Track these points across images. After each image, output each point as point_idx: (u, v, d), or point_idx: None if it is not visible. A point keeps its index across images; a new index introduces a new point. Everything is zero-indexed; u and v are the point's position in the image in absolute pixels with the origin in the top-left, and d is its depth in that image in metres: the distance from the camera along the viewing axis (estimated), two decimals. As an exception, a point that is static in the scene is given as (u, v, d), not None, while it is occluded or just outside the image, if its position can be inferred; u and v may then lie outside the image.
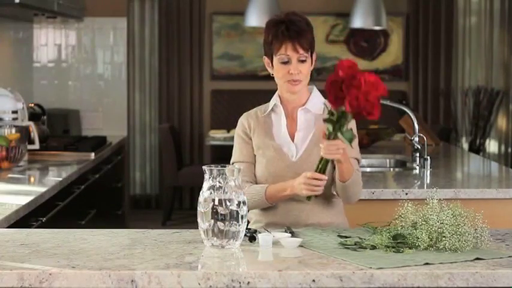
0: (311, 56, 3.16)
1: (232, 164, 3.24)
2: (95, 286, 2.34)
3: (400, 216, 2.74)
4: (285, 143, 3.20)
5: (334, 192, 3.23)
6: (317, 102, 3.23)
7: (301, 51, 3.11)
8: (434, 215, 2.65)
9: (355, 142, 3.16)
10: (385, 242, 2.63)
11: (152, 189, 9.32)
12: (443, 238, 2.60)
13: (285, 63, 3.13)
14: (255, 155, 3.24)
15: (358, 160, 3.22)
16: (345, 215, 3.33)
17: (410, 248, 2.62)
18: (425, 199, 2.73)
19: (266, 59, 3.21)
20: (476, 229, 2.65)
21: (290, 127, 3.22)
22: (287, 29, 3.11)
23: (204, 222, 2.66)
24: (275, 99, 3.25)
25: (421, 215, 2.68)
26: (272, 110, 3.25)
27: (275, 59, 3.14)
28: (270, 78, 3.25)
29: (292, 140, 3.20)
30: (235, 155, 3.27)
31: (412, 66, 9.36)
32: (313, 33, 3.18)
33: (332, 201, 3.24)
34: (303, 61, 3.13)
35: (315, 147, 3.15)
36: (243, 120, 3.28)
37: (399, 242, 2.64)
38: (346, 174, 3.07)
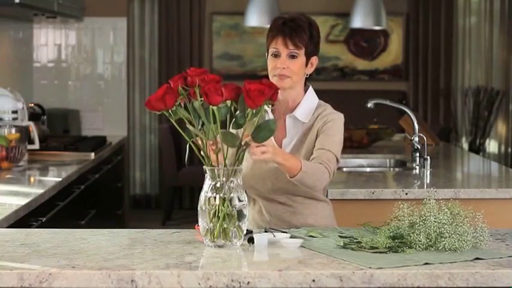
0: (306, 56, 3.14)
1: None
2: (95, 286, 2.34)
3: (397, 217, 2.74)
4: None
5: (322, 196, 3.25)
6: (307, 109, 3.20)
7: (291, 46, 3.10)
8: (431, 216, 2.65)
9: (334, 138, 3.13)
10: (385, 242, 2.63)
11: (152, 189, 9.32)
12: (442, 238, 2.60)
13: (275, 56, 3.13)
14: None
15: (335, 156, 3.12)
16: (335, 218, 3.33)
17: (410, 248, 2.62)
18: (424, 199, 2.73)
19: (266, 54, 3.21)
20: (476, 229, 2.65)
21: (278, 130, 3.15)
22: (283, 24, 3.12)
23: (204, 221, 2.66)
24: None
25: (418, 215, 2.68)
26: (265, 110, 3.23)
27: (269, 52, 3.15)
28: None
29: (280, 145, 3.19)
30: None
31: (412, 66, 9.36)
32: (314, 35, 3.16)
33: (317, 204, 3.24)
34: (293, 57, 3.12)
35: (296, 152, 3.15)
36: None
37: (399, 242, 2.65)
38: (290, 171, 2.97)
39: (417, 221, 2.66)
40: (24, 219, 3.64)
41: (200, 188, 2.72)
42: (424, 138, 4.87)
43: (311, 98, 3.23)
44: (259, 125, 2.73)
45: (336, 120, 3.18)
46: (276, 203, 3.21)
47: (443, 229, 2.61)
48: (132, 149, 9.14)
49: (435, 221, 2.63)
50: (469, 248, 2.60)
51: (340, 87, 9.28)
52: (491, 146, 9.46)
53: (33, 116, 5.82)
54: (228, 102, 2.66)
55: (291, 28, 3.11)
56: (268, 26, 3.24)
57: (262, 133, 2.72)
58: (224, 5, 9.28)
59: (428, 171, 4.70)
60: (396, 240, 2.65)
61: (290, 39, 3.10)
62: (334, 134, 3.15)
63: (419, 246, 2.61)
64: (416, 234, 2.62)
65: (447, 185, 4.24)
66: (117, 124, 7.96)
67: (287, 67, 3.11)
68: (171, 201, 8.52)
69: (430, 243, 2.62)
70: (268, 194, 3.20)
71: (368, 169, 5.32)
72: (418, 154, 4.88)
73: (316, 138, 3.16)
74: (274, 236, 2.74)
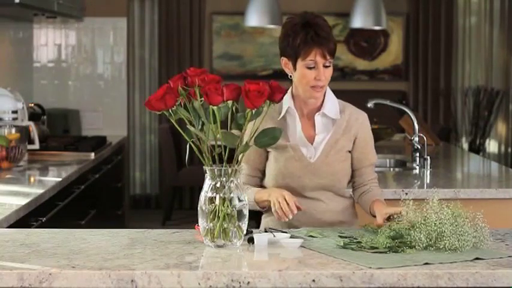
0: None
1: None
2: (95, 286, 2.34)
3: (399, 215, 2.75)
4: (303, 145, 3.21)
5: (347, 193, 3.31)
6: (332, 105, 3.24)
7: (328, 57, 3.11)
8: (433, 215, 2.65)
9: (373, 143, 3.31)
10: (385, 242, 2.64)
11: (152, 189, 9.32)
12: (443, 238, 2.60)
13: (310, 68, 3.12)
14: (259, 158, 3.26)
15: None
16: None
17: (410, 248, 2.62)
18: (425, 199, 2.74)
19: (284, 60, 3.18)
20: (476, 230, 2.65)
21: (306, 129, 3.23)
22: (317, 35, 3.10)
23: (204, 221, 2.66)
24: (288, 102, 3.22)
25: (421, 214, 2.69)
26: (286, 111, 3.25)
27: (300, 63, 3.13)
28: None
29: (311, 142, 3.22)
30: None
31: (412, 66, 9.36)
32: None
33: (346, 201, 3.29)
34: (327, 66, 3.13)
35: (331, 149, 3.21)
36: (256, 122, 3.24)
37: (399, 242, 2.65)
38: None
39: (418, 219, 2.67)
40: (24, 219, 3.64)
41: (200, 188, 2.72)
42: (424, 138, 4.87)
43: (332, 95, 3.27)
44: (264, 130, 2.74)
45: (368, 122, 3.33)
46: (309, 199, 3.22)
47: (444, 229, 2.62)
48: (132, 149, 9.13)
49: (436, 220, 2.64)
50: (469, 249, 2.60)
51: (340, 87, 9.22)
52: (491, 146, 9.46)
53: (33, 116, 5.82)
54: (229, 103, 2.66)
55: (325, 38, 3.11)
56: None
57: (265, 139, 2.73)
58: (224, 5, 9.28)
59: (429, 171, 4.70)
60: (396, 240, 2.65)
61: (327, 50, 3.11)
62: (372, 138, 3.32)
63: (419, 245, 2.61)
64: (417, 233, 2.63)
65: (447, 185, 4.24)
66: (117, 124, 7.96)
67: (325, 78, 3.14)
68: (171, 201, 8.52)
69: (430, 242, 2.62)
70: (303, 191, 3.22)
71: (368, 169, 5.31)
72: (418, 154, 4.88)
73: (355, 141, 3.25)
74: (274, 236, 2.74)
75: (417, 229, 2.64)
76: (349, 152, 3.25)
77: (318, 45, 3.09)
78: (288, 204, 2.99)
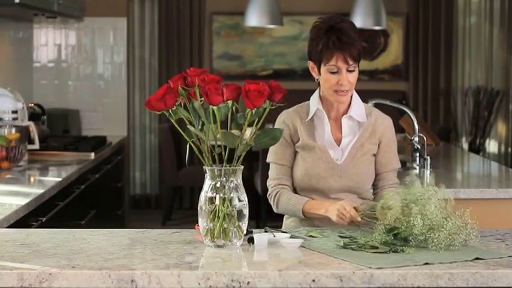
0: (358, 64, 3.19)
1: (268, 163, 3.32)
2: (95, 286, 2.34)
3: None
4: (330, 146, 3.24)
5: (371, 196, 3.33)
6: (359, 108, 3.27)
7: (351, 62, 3.12)
8: (433, 206, 2.67)
9: (396, 146, 3.33)
10: (380, 238, 2.65)
11: (152, 189, 9.32)
12: (438, 231, 2.61)
13: (333, 73, 3.14)
14: (292, 158, 3.28)
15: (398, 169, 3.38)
16: None
17: (405, 240, 2.63)
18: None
19: (311, 64, 3.21)
20: (467, 230, 2.65)
21: (333, 131, 3.26)
22: (339, 40, 3.11)
23: (204, 221, 2.66)
24: (317, 104, 3.26)
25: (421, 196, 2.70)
26: (315, 113, 3.27)
27: (323, 68, 3.15)
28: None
29: (338, 144, 3.25)
30: (272, 155, 3.31)
31: (412, 66, 9.36)
32: (360, 38, 3.17)
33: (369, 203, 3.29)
34: (351, 71, 3.14)
35: (357, 152, 3.24)
36: (286, 120, 3.28)
37: (393, 235, 2.66)
38: None
39: (419, 199, 2.68)
40: (24, 219, 3.64)
41: (200, 188, 2.72)
42: (424, 138, 4.87)
43: (358, 99, 3.29)
44: (265, 130, 2.75)
45: (392, 127, 3.34)
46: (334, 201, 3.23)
47: (440, 222, 2.63)
48: (132, 149, 9.13)
49: (435, 208, 2.65)
50: (458, 249, 2.61)
51: (340, 87, 9.26)
52: (491, 146, 9.46)
53: (33, 116, 5.82)
54: (229, 103, 2.67)
55: (348, 44, 3.11)
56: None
57: (265, 139, 2.73)
58: (224, 5, 9.28)
59: (429, 171, 4.70)
60: (391, 233, 2.66)
61: (350, 55, 3.11)
62: (395, 143, 3.35)
63: (415, 227, 2.61)
64: (413, 218, 2.63)
65: (447, 185, 4.18)
66: (117, 124, 7.96)
67: (348, 82, 3.15)
68: (171, 201, 8.52)
69: (424, 231, 2.62)
70: (328, 192, 3.25)
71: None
72: (418, 154, 4.88)
73: (379, 145, 3.28)
74: (274, 236, 2.74)
75: (417, 215, 2.65)
76: (374, 155, 3.28)
77: (339, 51, 3.11)
78: (348, 213, 3.00)
